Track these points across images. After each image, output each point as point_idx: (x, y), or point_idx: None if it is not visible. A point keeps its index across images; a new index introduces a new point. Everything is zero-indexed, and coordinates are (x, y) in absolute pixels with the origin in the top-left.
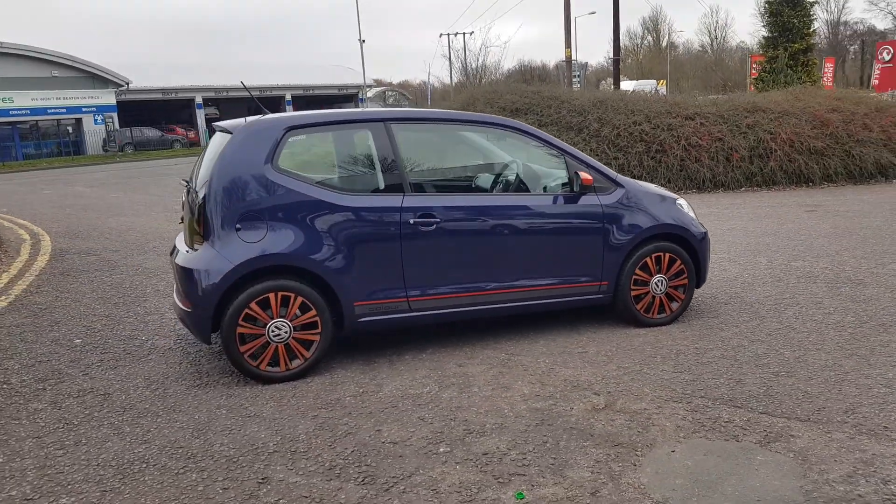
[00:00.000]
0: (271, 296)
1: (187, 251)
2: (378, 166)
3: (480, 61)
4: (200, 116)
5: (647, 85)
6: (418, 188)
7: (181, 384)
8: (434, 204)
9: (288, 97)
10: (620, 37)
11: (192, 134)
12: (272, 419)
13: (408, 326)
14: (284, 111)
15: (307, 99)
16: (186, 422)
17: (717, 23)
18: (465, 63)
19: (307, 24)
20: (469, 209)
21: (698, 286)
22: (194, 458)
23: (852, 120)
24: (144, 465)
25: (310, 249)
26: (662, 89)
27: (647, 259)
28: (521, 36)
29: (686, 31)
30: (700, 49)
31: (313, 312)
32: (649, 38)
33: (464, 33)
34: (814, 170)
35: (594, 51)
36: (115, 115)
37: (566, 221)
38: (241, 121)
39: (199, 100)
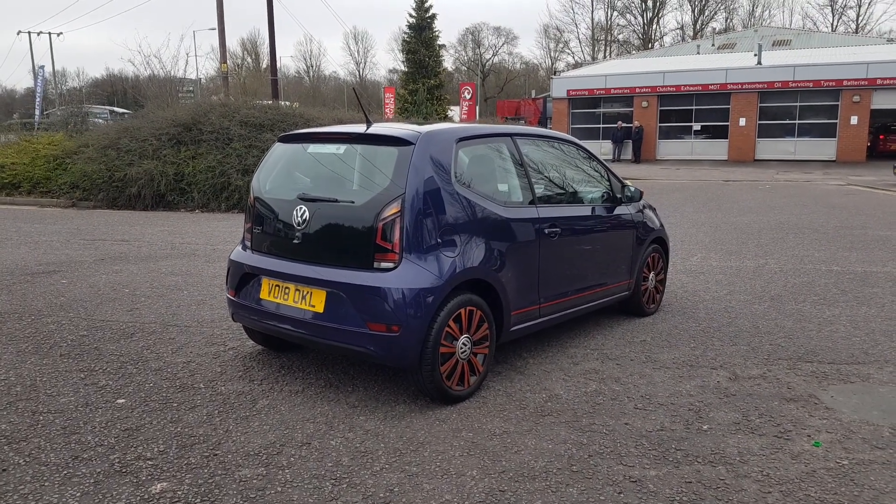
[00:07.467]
0: (462, 311)
1: (356, 272)
2: (517, 179)
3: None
4: None
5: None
6: (540, 200)
7: (383, 422)
8: (556, 214)
9: None
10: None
11: None
12: (555, 426)
13: (533, 333)
14: None
15: None
16: (509, 458)
17: (311, 52)
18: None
19: None
20: (575, 219)
21: None
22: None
23: None
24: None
25: (490, 263)
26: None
27: (650, 259)
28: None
29: (283, 56)
30: (297, 75)
31: (486, 326)
32: (249, 59)
33: (49, 33)
34: None
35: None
36: None
37: (622, 228)
38: (412, 131)
39: None
